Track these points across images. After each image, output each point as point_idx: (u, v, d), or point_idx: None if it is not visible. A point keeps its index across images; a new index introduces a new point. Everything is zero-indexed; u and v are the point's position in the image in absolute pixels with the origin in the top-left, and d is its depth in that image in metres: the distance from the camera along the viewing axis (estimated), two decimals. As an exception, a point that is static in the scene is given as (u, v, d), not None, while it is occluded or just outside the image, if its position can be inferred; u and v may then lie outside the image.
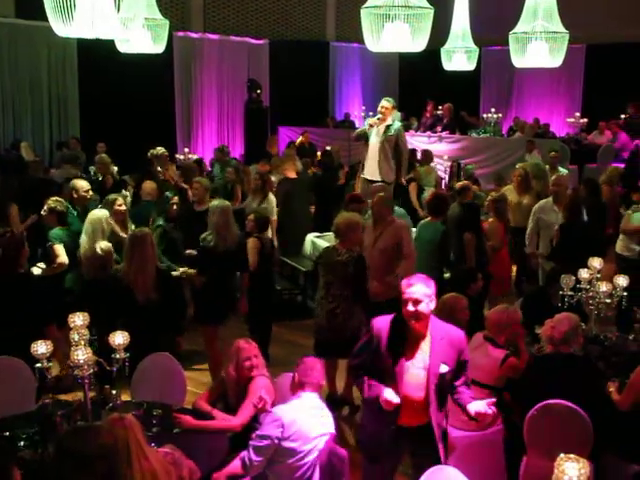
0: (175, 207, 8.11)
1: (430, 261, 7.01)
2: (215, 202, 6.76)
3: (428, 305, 3.95)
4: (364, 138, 9.81)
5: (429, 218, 7.50)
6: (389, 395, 3.84)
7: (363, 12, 8.45)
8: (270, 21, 17.80)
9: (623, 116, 15.86)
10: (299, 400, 4.10)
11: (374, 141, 9.62)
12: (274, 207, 9.24)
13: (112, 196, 7.32)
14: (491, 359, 4.85)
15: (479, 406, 3.89)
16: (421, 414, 4.00)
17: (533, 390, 4.59)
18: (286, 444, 3.94)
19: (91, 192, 7.77)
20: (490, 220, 7.94)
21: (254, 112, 16.73)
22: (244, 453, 4.00)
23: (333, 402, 6.11)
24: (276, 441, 3.92)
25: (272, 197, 9.31)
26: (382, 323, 4.06)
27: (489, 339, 4.94)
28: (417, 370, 3.96)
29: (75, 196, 7.52)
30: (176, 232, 7.72)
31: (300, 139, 15.58)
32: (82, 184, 7.65)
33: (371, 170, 9.66)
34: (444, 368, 3.94)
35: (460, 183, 9.53)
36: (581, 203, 7.79)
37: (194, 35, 16.45)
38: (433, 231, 7.27)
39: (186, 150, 14.37)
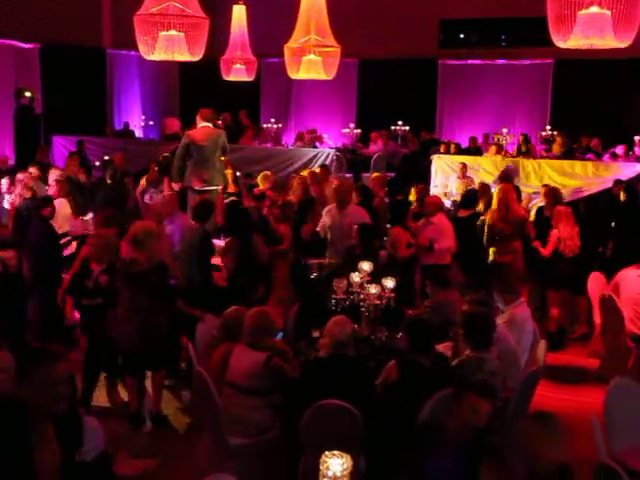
0: None
1: (192, 265, 7.15)
2: None
3: None
4: None
5: (193, 222, 7.60)
6: None
7: (136, 19, 8.32)
8: (41, 24, 16.90)
9: (393, 127, 16.89)
10: None
11: None
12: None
13: None
14: (252, 362, 4.93)
15: None
16: None
17: (309, 392, 4.73)
18: None
19: None
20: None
21: (24, 120, 15.84)
22: None
23: (138, 419, 6.13)
24: None
25: (60, 202, 8.97)
26: None
27: (249, 344, 5.03)
28: None
29: None
30: None
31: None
32: None
33: None
34: None
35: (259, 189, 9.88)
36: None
37: (-48, 36, 15.25)
38: (195, 235, 7.37)
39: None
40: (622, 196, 10.30)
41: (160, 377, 6.24)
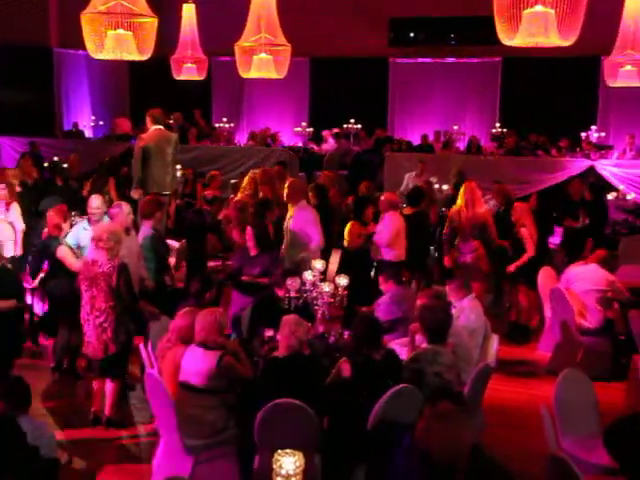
0: None
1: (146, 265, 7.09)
2: None
3: None
4: None
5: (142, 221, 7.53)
6: None
7: (84, 18, 8.18)
8: (-15, 24, 16.57)
9: (345, 126, 16.94)
10: None
11: None
12: (18, 216, 8.73)
13: None
14: (204, 361, 4.91)
15: None
16: None
17: (269, 391, 4.72)
18: None
19: None
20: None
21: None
22: None
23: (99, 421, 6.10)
24: None
25: (16, 206, 8.80)
26: None
27: (200, 343, 5.01)
28: None
29: None
30: None
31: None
32: None
33: None
34: None
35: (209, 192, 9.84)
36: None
37: None
38: (146, 236, 7.29)
39: None
40: (588, 195, 10.55)
41: (118, 382, 6.18)
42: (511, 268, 8.46)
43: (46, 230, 7.38)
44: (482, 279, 8.22)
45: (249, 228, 7.27)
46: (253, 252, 7.09)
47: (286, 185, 8.54)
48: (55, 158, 13.23)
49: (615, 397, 6.65)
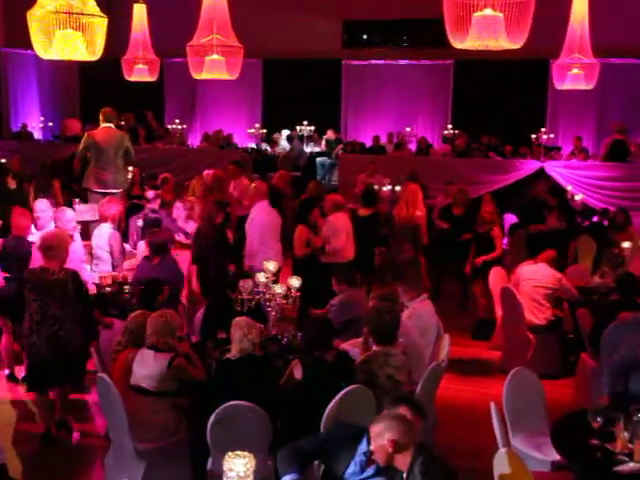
0: None
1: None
2: None
3: None
4: None
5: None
6: None
7: (30, 17, 8.05)
8: None
9: (298, 127, 16.96)
10: None
11: None
12: None
13: None
14: (155, 364, 4.89)
15: None
16: None
17: (221, 393, 4.69)
18: None
19: None
20: None
21: None
22: None
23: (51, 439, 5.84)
24: None
25: None
26: None
27: (151, 346, 4.98)
28: None
29: None
30: None
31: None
32: None
33: None
34: None
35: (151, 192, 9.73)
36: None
37: None
38: (104, 233, 7.33)
39: None
40: (552, 200, 10.73)
41: (68, 388, 6.06)
42: (478, 261, 8.72)
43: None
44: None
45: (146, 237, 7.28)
46: (154, 260, 7.01)
47: (253, 186, 8.49)
48: (2, 160, 12.97)
49: (563, 394, 6.79)
